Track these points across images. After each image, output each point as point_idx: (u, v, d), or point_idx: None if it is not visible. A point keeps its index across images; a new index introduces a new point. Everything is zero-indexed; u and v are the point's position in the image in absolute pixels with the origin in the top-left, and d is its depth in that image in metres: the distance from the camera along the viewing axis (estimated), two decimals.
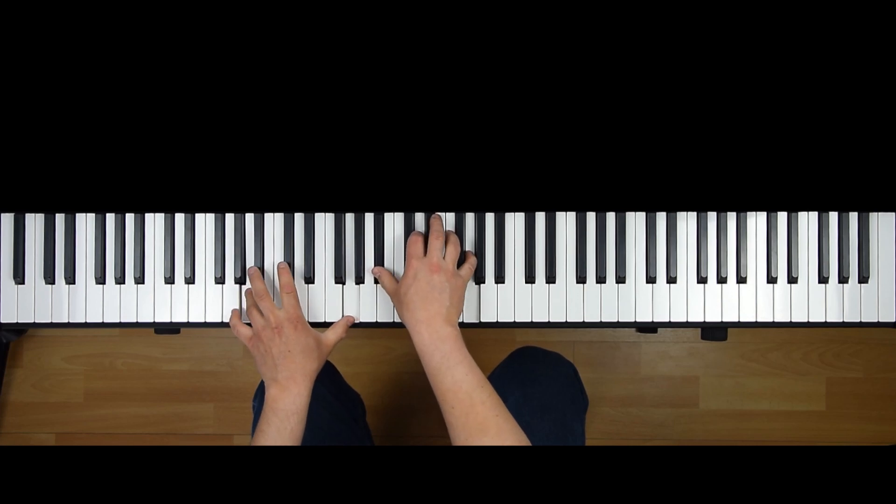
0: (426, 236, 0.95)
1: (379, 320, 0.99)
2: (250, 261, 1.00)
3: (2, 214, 1.00)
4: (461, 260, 0.96)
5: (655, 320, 0.99)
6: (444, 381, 0.85)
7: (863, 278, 0.98)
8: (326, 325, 0.99)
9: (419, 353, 0.88)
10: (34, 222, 1.00)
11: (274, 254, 1.00)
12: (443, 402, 0.85)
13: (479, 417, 0.82)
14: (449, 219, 0.99)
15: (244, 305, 0.99)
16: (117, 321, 1.00)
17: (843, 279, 0.98)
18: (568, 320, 0.99)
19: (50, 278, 0.99)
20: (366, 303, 1.00)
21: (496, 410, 0.83)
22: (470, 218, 0.99)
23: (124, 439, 1.60)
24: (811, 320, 0.98)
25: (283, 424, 0.88)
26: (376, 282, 0.99)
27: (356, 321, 0.99)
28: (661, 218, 0.99)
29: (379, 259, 0.99)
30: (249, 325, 0.95)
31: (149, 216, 1.00)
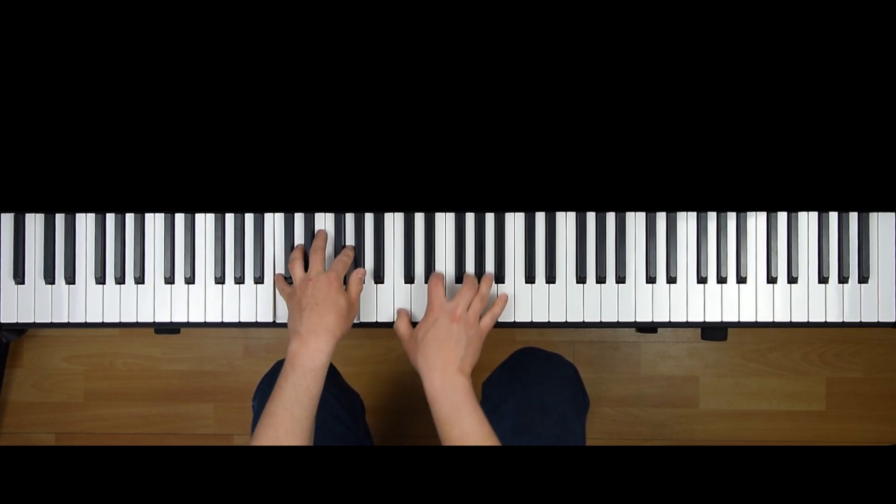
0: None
1: (379, 320, 0.99)
2: (250, 261, 1.00)
3: (2, 214, 1.00)
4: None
5: (655, 320, 0.99)
6: (451, 431, 0.86)
7: (863, 278, 0.98)
8: None
9: (429, 400, 0.88)
10: (34, 222, 1.00)
11: (274, 254, 1.00)
12: None
13: None
14: (449, 219, 0.99)
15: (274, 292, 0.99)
16: (117, 321, 1.00)
17: (843, 279, 0.98)
18: (568, 320, 0.99)
19: (50, 278, 0.99)
20: (366, 303, 0.99)
21: None
22: (470, 218, 0.99)
23: (124, 439, 1.59)
24: (811, 320, 0.98)
25: (299, 381, 0.87)
26: (376, 282, 0.99)
27: (358, 320, 0.98)
28: (661, 218, 0.99)
29: (378, 259, 0.99)
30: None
31: (149, 216, 1.00)
